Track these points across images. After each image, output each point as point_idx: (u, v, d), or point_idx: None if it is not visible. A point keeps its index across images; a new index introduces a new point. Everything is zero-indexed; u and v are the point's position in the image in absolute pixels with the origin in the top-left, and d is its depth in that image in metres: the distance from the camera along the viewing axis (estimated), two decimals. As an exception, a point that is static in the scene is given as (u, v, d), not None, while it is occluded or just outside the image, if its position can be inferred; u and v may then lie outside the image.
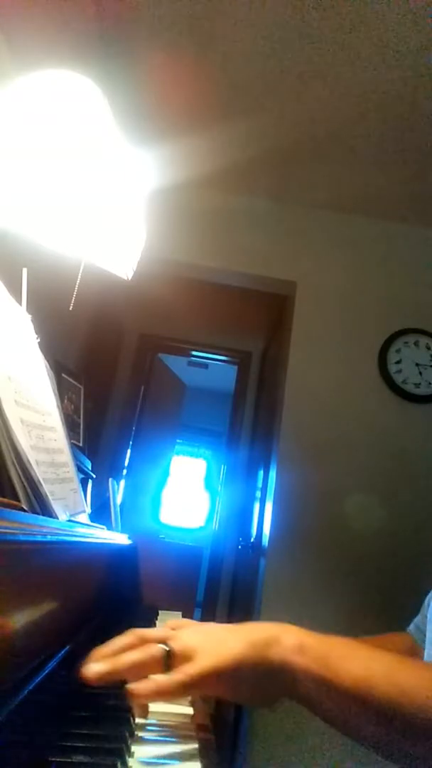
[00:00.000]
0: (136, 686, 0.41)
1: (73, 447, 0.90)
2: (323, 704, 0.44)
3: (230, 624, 0.52)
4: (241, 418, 3.31)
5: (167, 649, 0.44)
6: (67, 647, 0.52)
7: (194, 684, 0.42)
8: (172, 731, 0.45)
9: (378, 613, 1.79)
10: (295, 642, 0.45)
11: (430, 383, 2.15)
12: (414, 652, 0.74)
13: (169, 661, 0.44)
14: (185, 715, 0.52)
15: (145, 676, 0.43)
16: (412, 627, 0.78)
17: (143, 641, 0.46)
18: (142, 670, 0.43)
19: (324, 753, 1.67)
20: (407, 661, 0.45)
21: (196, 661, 0.43)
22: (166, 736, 0.45)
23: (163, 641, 0.46)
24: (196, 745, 0.44)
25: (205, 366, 4.45)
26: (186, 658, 0.44)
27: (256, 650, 0.44)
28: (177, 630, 0.48)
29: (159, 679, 0.42)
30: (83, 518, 0.75)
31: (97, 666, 0.42)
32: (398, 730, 0.41)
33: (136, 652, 0.44)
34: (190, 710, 0.54)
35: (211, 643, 0.45)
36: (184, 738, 0.45)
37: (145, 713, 0.45)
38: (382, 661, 0.44)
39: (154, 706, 0.47)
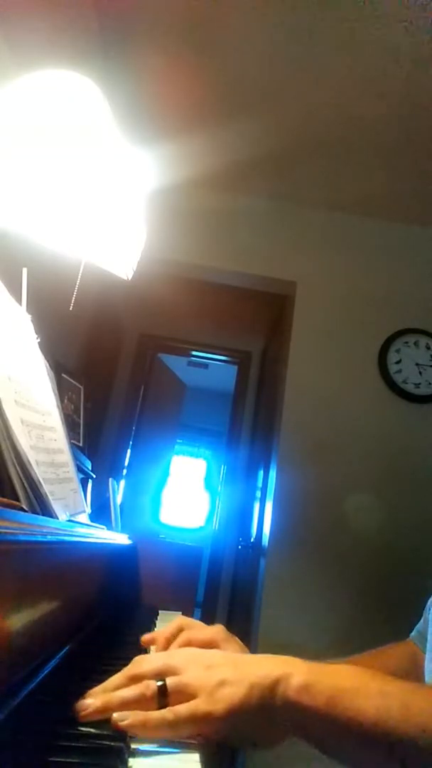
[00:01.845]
0: (121, 716, 0.40)
1: (73, 447, 0.90)
2: (334, 744, 0.43)
3: (235, 654, 0.49)
4: (241, 418, 3.31)
5: (160, 684, 0.43)
6: (67, 647, 0.52)
7: (183, 726, 0.41)
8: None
9: (378, 613, 1.79)
10: (301, 681, 0.42)
11: (430, 383, 2.15)
12: (416, 659, 0.72)
13: (163, 698, 0.43)
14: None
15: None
16: (414, 633, 0.77)
17: (139, 678, 0.45)
18: (135, 706, 0.42)
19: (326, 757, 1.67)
20: (421, 692, 0.43)
21: (192, 702, 0.42)
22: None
23: (161, 676, 0.44)
24: (196, 749, 0.44)
25: (205, 366, 4.45)
26: (182, 695, 0.43)
27: (259, 693, 0.42)
28: (178, 662, 0.46)
29: (148, 714, 0.41)
30: (83, 518, 0.75)
31: (89, 702, 0.42)
32: (414, 765, 0.40)
33: (129, 689, 0.43)
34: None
35: (210, 684, 0.43)
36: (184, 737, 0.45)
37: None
38: (396, 696, 0.42)
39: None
